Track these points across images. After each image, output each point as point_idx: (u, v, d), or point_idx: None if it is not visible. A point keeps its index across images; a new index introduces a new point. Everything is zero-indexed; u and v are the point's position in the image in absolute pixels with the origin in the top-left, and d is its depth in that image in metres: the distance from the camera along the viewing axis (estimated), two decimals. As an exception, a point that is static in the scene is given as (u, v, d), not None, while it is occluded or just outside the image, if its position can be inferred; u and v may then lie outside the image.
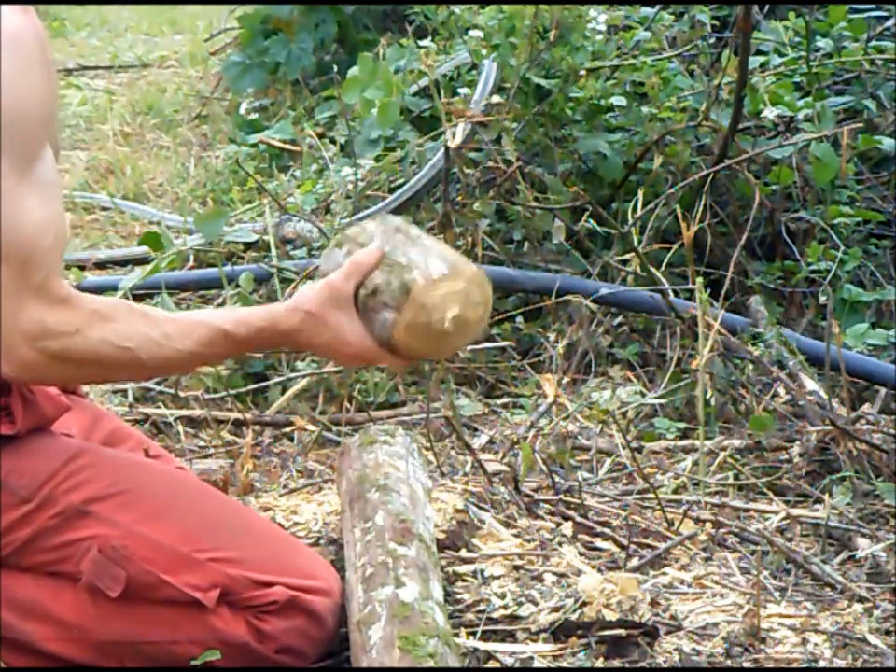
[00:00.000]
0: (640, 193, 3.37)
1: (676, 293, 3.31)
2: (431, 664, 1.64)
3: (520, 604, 2.04)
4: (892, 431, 2.74)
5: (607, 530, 2.40)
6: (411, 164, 3.92)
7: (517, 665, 1.90)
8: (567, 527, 2.38)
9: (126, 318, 1.77)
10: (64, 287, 1.73)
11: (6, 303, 1.68)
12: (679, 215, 3.29)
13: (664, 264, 3.39)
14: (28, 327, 1.69)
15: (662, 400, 3.11)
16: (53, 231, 1.71)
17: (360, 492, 2.06)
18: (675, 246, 3.47)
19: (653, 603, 2.06)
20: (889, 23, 4.16)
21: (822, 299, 3.36)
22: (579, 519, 2.42)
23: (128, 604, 1.82)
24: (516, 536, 2.30)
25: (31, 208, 1.68)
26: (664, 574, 2.25)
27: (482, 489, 2.46)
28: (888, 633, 2.08)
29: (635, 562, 2.28)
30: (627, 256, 3.45)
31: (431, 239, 1.91)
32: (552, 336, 3.41)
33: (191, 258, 3.85)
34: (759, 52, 4.02)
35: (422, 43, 4.27)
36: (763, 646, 1.99)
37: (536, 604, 2.03)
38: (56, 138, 1.79)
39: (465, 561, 2.16)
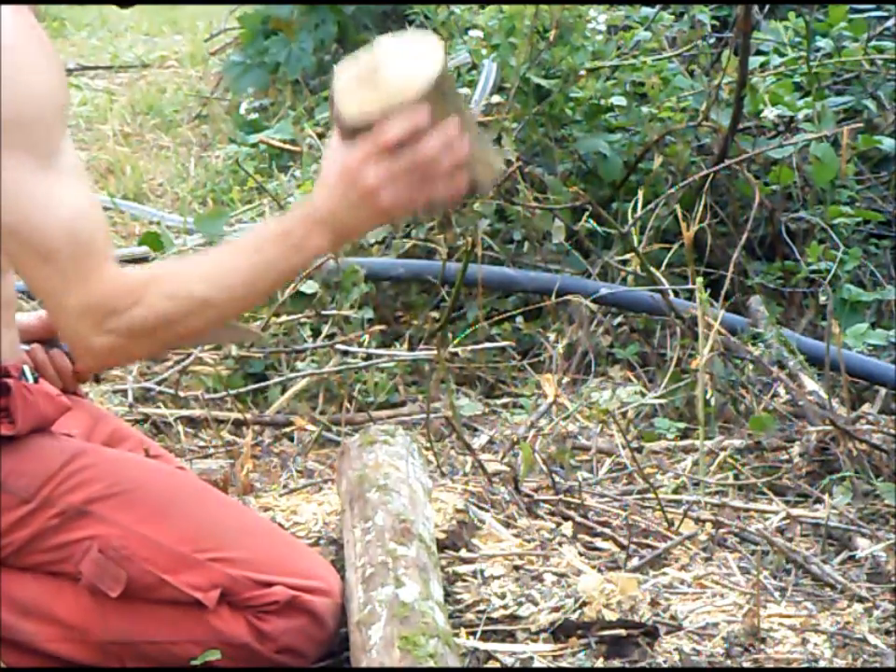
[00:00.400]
0: (640, 193, 3.38)
1: (676, 293, 3.31)
2: (431, 664, 1.64)
3: (520, 604, 2.04)
4: (892, 431, 2.74)
5: (607, 530, 2.40)
6: (411, 164, 3.90)
7: (517, 665, 1.90)
8: (567, 527, 2.38)
9: (175, 270, 1.80)
10: (112, 267, 1.74)
11: (66, 297, 1.69)
12: (679, 215, 3.29)
13: (664, 264, 3.39)
14: (91, 314, 1.70)
15: (662, 400, 3.11)
16: (90, 216, 1.72)
17: (360, 492, 2.06)
18: (675, 246, 3.47)
19: (653, 603, 2.06)
20: (889, 23, 4.16)
21: (822, 299, 3.36)
22: (579, 519, 2.42)
23: (128, 604, 1.82)
24: (516, 536, 2.30)
25: (63, 199, 1.69)
26: (664, 574, 2.25)
27: (482, 489, 2.46)
28: (888, 633, 2.08)
29: (635, 562, 2.27)
30: (627, 256, 3.45)
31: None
32: (552, 336, 3.41)
33: (191, 258, 3.85)
34: (759, 52, 4.03)
35: (422, 43, 4.27)
36: (763, 646, 1.99)
37: (536, 604, 2.03)
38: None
39: (465, 561, 2.16)
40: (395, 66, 1.74)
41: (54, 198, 1.68)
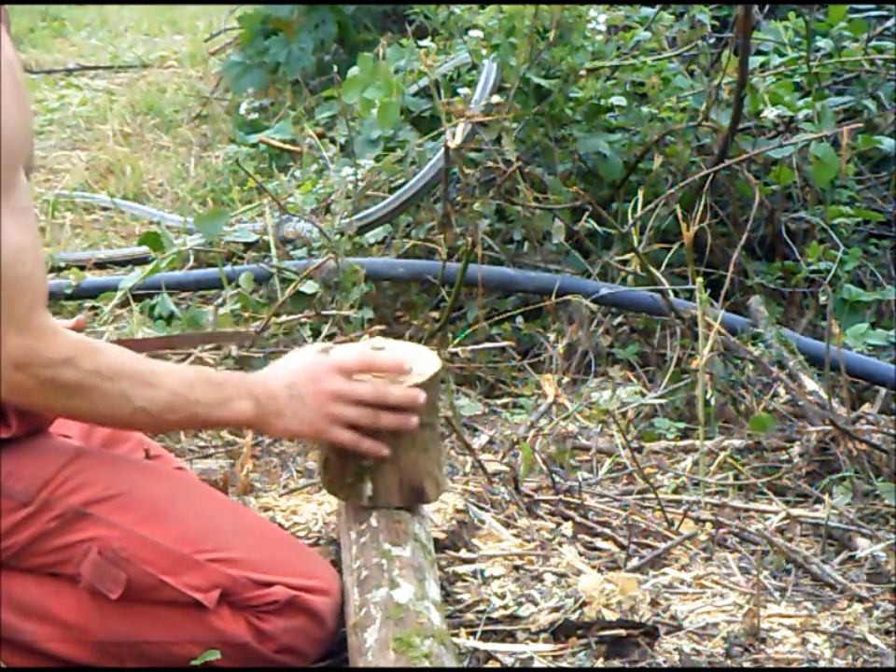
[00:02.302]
0: (640, 193, 3.37)
1: (676, 293, 3.31)
2: (427, 664, 1.64)
3: (520, 604, 2.04)
4: (892, 431, 2.74)
5: (607, 530, 2.40)
6: (411, 164, 3.91)
7: (517, 665, 1.90)
8: (567, 527, 2.38)
9: (115, 353, 1.79)
10: (51, 318, 1.74)
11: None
12: (679, 215, 3.29)
13: (664, 264, 3.39)
14: (17, 354, 1.70)
15: (662, 400, 3.11)
16: (32, 256, 1.71)
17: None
18: (675, 246, 3.47)
19: (653, 603, 2.06)
20: (889, 23, 4.16)
21: (822, 299, 3.36)
22: (579, 519, 2.42)
23: (128, 604, 1.82)
24: (516, 536, 2.30)
25: (9, 235, 1.68)
26: (664, 574, 2.25)
27: (482, 489, 2.46)
28: (888, 633, 2.08)
29: (635, 562, 2.28)
30: (627, 256, 3.45)
31: None
32: (552, 336, 3.41)
33: (191, 258, 3.85)
34: (759, 52, 4.02)
35: (422, 43, 4.27)
36: (763, 646, 1.99)
37: (536, 604, 2.03)
38: (30, 158, 1.79)
39: (465, 561, 2.16)
40: (399, 351, 1.93)
41: (1, 234, 1.67)
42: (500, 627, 1.99)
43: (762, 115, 3.69)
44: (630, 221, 3.33)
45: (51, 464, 1.83)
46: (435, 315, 3.54)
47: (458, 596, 2.06)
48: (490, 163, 3.64)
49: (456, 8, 4.13)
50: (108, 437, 2.09)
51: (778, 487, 2.75)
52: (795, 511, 2.59)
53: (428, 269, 3.55)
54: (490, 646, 1.94)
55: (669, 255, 3.47)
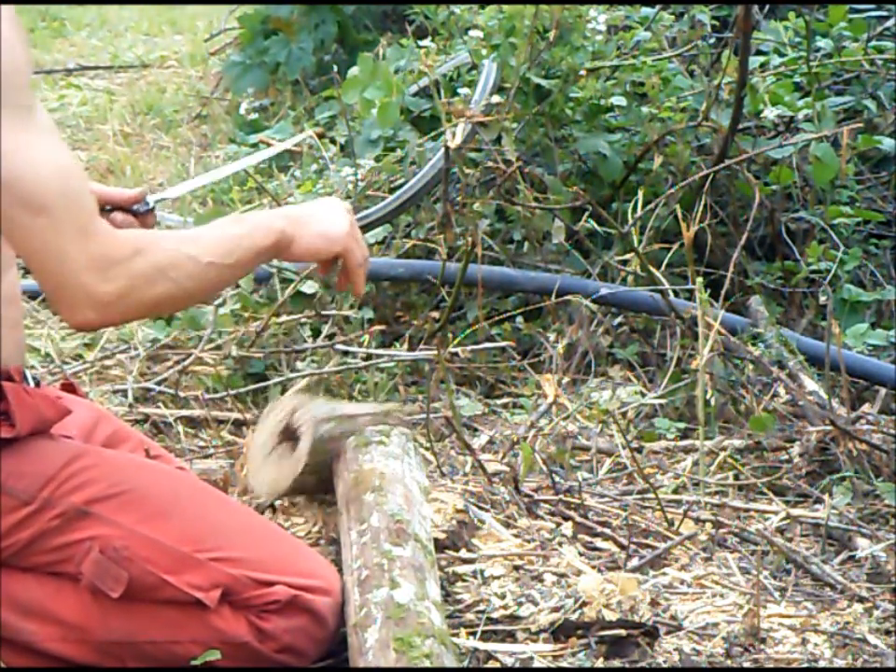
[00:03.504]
0: (640, 193, 3.37)
1: (676, 293, 3.31)
2: (427, 664, 1.64)
3: (520, 604, 2.04)
4: (892, 431, 2.74)
5: (607, 530, 2.40)
6: (411, 164, 3.91)
7: (517, 665, 1.90)
8: (567, 527, 2.38)
9: (161, 233, 1.91)
10: (104, 222, 1.78)
11: (66, 250, 1.70)
12: (679, 215, 3.29)
13: (664, 264, 3.39)
14: (93, 264, 1.71)
15: (662, 400, 3.11)
16: (76, 168, 1.75)
17: (356, 494, 2.06)
18: (675, 246, 3.47)
19: (653, 603, 2.06)
20: (889, 23, 4.16)
21: (822, 299, 3.36)
22: (579, 519, 2.42)
23: (129, 604, 1.82)
24: (516, 536, 2.30)
25: (49, 154, 1.70)
26: (664, 574, 2.25)
27: (482, 489, 2.46)
28: (888, 633, 2.08)
29: (635, 562, 2.28)
30: (627, 256, 3.45)
31: None
32: (552, 336, 3.41)
33: (191, 258, 3.84)
34: (759, 52, 4.02)
35: (422, 43, 4.27)
36: (763, 646, 1.99)
37: (536, 604, 2.03)
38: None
39: (465, 561, 2.16)
40: None
41: (42, 152, 1.70)
42: (500, 627, 1.99)
43: (762, 115, 3.69)
44: (630, 221, 3.33)
45: (53, 463, 1.83)
46: (435, 315, 3.53)
47: (458, 596, 2.06)
48: (490, 163, 3.64)
49: (456, 8, 4.13)
50: (110, 436, 2.10)
51: (778, 487, 2.75)
52: (795, 511, 2.59)
53: (428, 269, 3.55)
54: (490, 646, 1.94)
55: (669, 255, 3.47)
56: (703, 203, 3.33)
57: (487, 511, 2.37)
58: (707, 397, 2.82)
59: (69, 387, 2.14)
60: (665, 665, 1.92)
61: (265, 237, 1.90)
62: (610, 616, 1.96)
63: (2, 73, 1.67)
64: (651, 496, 2.54)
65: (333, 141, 4.43)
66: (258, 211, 2.02)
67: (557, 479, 2.57)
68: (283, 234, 1.92)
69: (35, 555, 1.83)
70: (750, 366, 3.07)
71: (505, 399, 3.31)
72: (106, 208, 2.04)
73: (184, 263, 1.80)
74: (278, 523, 2.27)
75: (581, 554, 2.27)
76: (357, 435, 2.24)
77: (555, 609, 2.01)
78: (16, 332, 1.86)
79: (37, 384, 1.92)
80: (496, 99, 3.67)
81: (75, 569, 1.82)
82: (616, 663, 1.91)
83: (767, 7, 4.31)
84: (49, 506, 1.82)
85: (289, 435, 2.23)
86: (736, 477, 2.77)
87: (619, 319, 3.50)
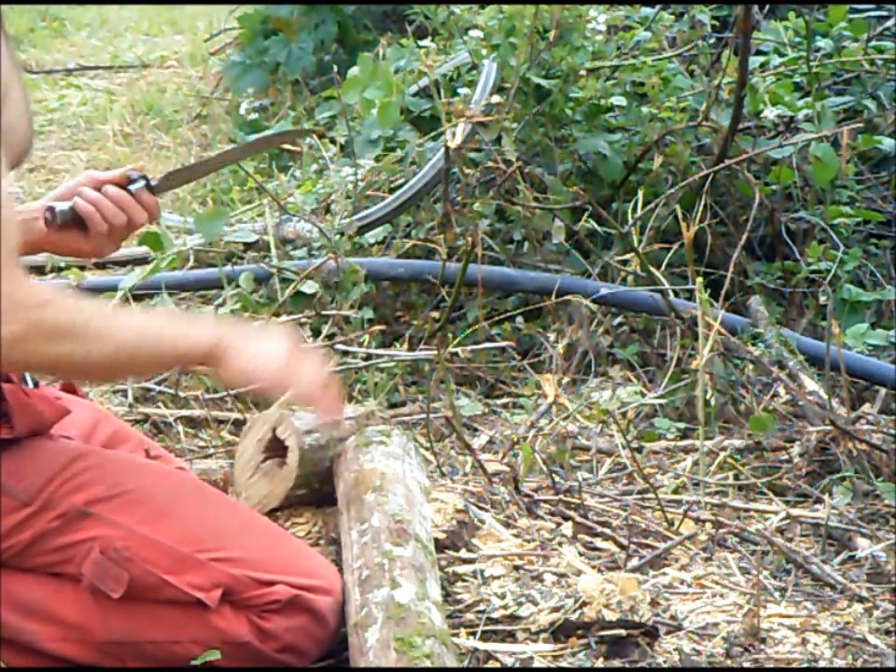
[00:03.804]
0: (640, 193, 3.37)
1: (676, 293, 3.31)
2: (428, 664, 1.64)
3: (520, 604, 2.04)
4: (892, 431, 2.74)
5: (607, 530, 2.40)
6: (411, 164, 3.92)
7: (517, 665, 1.90)
8: (567, 527, 2.38)
9: (84, 298, 1.83)
10: (22, 271, 1.72)
11: None
12: (679, 215, 3.29)
13: (664, 264, 3.39)
14: (3, 302, 1.68)
15: (662, 400, 3.11)
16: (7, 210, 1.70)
17: (356, 494, 2.06)
18: (675, 246, 3.47)
19: (653, 603, 2.06)
20: (889, 23, 4.16)
21: (822, 299, 3.36)
22: (579, 519, 2.42)
23: (130, 604, 1.82)
24: (516, 536, 2.30)
25: None
26: (664, 574, 2.25)
27: (482, 489, 2.46)
28: (888, 633, 2.08)
29: (635, 562, 2.28)
30: (627, 256, 3.45)
31: None
32: (552, 336, 3.41)
33: (191, 258, 3.85)
34: (759, 52, 4.02)
35: (422, 43, 4.28)
36: (763, 646, 1.99)
37: (536, 604, 2.03)
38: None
39: (465, 561, 2.16)
40: None
41: None
42: (500, 627, 1.99)
43: (762, 115, 3.69)
44: (630, 221, 3.33)
45: (53, 463, 1.83)
46: (435, 314, 3.54)
47: (458, 596, 2.06)
48: (490, 163, 3.64)
49: (456, 8, 4.13)
50: (110, 437, 2.09)
51: (778, 487, 2.75)
52: (795, 511, 2.59)
53: (428, 269, 3.55)
54: (490, 646, 1.94)
55: (669, 255, 3.47)
56: (703, 202, 3.33)
57: (487, 511, 2.37)
58: (707, 397, 2.82)
59: (69, 388, 2.14)
60: (665, 665, 1.92)
61: (193, 343, 1.83)
62: (610, 616, 1.96)
63: None
64: (651, 496, 2.54)
65: (333, 141, 4.43)
66: (202, 317, 1.92)
67: (557, 479, 2.57)
68: (214, 346, 1.83)
69: (36, 556, 1.83)
70: (750, 366, 3.07)
71: (505, 399, 3.31)
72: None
73: (92, 334, 1.74)
74: (279, 523, 2.27)
75: (580, 554, 2.27)
76: (358, 433, 2.25)
77: (555, 609, 2.01)
78: None
79: (36, 384, 1.92)
80: (496, 99, 3.67)
81: (75, 570, 1.82)
82: (616, 663, 1.91)
83: (767, 6, 4.31)
84: (50, 507, 1.82)
85: (275, 449, 2.23)
86: (736, 477, 2.77)
87: (619, 319, 3.50)
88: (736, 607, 2.12)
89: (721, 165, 3.55)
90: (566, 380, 3.26)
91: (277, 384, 1.85)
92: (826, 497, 2.60)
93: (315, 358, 1.90)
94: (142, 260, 3.88)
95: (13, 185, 1.82)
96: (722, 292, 3.19)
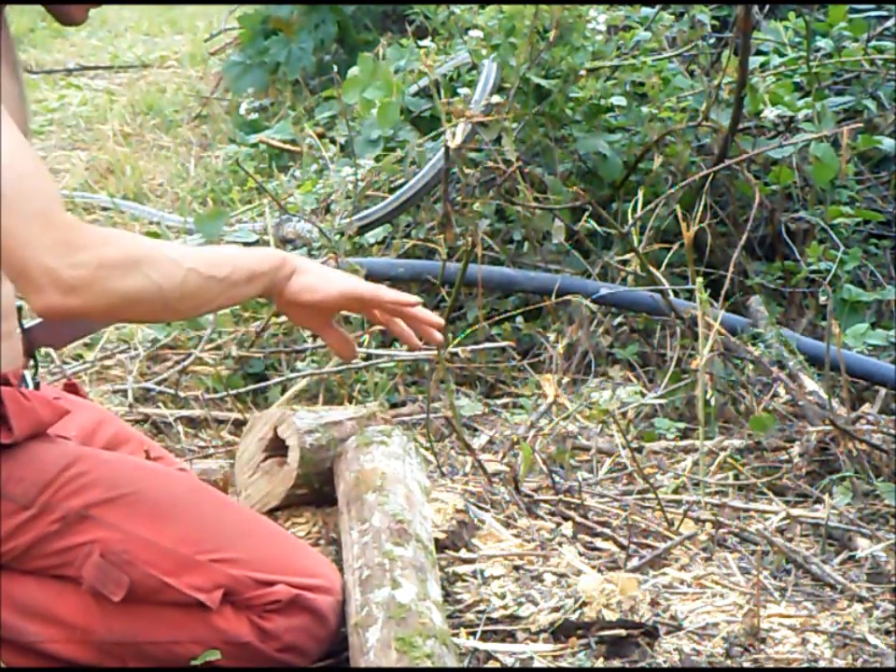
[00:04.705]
0: (640, 193, 3.37)
1: (676, 293, 3.31)
2: (428, 664, 1.64)
3: (520, 604, 2.04)
4: (892, 431, 2.74)
5: (607, 530, 2.40)
6: (411, 164, 3.92)
7: (517, 665, 1.90)
8: (567, 527, 2.38)
9: (142, 236, 1.84)
10: (69, 213, 1.74)
11: (26, 234, 1.66)
12: (679, 215, 3.29)
13: (664, 264, 3.39)
14: (57, 248, 1.67)
15: (662, 400, 3.11)
16: (29, 155, 1.71)
17: (357, 494, 2.06)
18: (675, 246, 3.47)
19: (653, 603, 2.06)
20: (889, 23, 4.16)
21: (822, 299, 3.36)
22: (579, 519, 2.42)
23: (131, 605, 1.82)
24: (516, 536, 2.30)
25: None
26: (664, 574, 2.25)
27: (482, 489, 2.46)
28: (888, 633, 2.08)
29: (635, 562, 2.28)
30: (627, 256, 3.45)
31: None
32: (552, 336, 3.41)
33: (191, 258, 3.84)
34: (759, 52, 4.03)
35: (422, 43, 4.28)
36: (763, 646, 1.99)
37: (536, 604, 2.03)
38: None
39: (465, 561, 2.16)
40: None
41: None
42: (500, 627, 1.99)
43: (762, 115, 3.69)
44: (630, 221, 3.33)
45: (52, 466, 1.83)
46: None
47: (458, 596, 2.06)
48: (490, 163, 3.64)
49: (456, 8, 4.13)
50: (112, 438, 2.09)
51: (778, 487, 2.75)
52: (795, 511, 2.59)
53: (428, 269, 3.55)
54: (490, 646, 1.94)
55: (669, 255, 3.47)
56: (703, 202, 3.33)
57: (487, 510, 2.37)
58: (707, 397, 2.82)
59: (72, 388, 2.14)
60: (665, 665, 1.92)
61: (261, 260, 1.85)
62: (610, 616, 1.96)
63: None
64: (651, 496, 2.54)
65: (333, 141, 4.43)
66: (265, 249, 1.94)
67: (557, 479, 2.57)
68: (284, 261, 1.88)
69: (36, 559, 1.83)
70: (750, 366, 3.07)
71: (505, 399, 3.31)
72: None
73: (161, 262, 1.74)
74: (279, 522, 2.27)
75: (580, 554, 2.27)
76: (359, 433, 2.25)
77: (555, 609, 2.01)
78: (10, 341, 1.86)
79: (37, 386, 1.91)
80: (496, 99, 3.67)
81: (75, 573, 1.82)
82: (616, 663, 1.91)
83: (767, 6, 4.31)
84: (49, 510, 1.81)
85: (276, 449, 2.23)
86: (736, 477, 2.77)
87: (619, 319, 3.50)
88: (736, 607, 2.12)
89: (721, 165, 3.55)
90: (566, 380, 3.26)
91: (349, 290, 1.90)
92: (826, 497, 2.60)
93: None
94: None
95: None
96: (722, 292, 3.19)
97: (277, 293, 1.89)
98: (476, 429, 3.06)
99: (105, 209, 4.82)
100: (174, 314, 1.90)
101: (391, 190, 3.87)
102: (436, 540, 2.10)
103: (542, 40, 3.74)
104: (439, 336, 1.97)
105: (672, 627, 2.02)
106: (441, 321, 1.96)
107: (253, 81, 5.57)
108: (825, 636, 2.05)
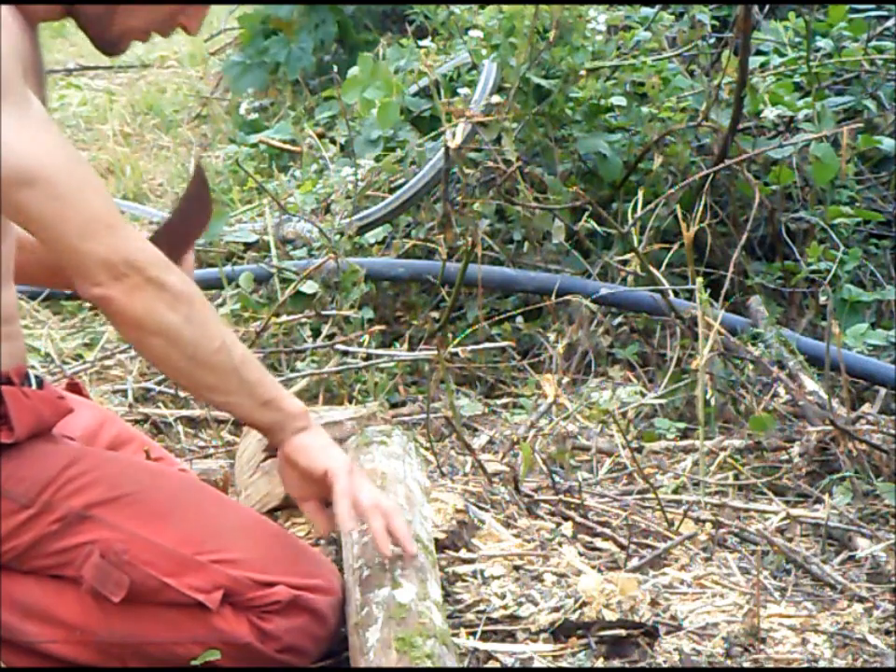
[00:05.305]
0: (640, 193, 3.37)
1: (676, 293, 3.31)
2: (429, 664, 1.64)
3: (520, 604, 2.04)
4: (892, 431, 2.74)
5: (607, 530, 2.40)
6: (411, 164, 3.92)
7: (517, 665, 1.90)
8: (567, 527, 2.38)
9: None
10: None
11: (88, 240, 1.69)
12: (679, 215, 3.29)
13: (664, 264, 3.39)
14: (120, 249, 1.70)
15: (662, 400, 3.11)
16: (82, 158, 1.75)
17: (358, 493, 2.06)
18: (675, 246, 3.47)
19: (653, 603, 2.06)
20: (889, 23, 4.16)
21: (822, 299, 3.36)
22: (579, 519, 2.42)
23: (131, 605, 1.82)
24: (516, 536, 2.30)
25: (50, 144, 1.70)
26: (664, 574, 2.25)
27: (482, 489, 2.46)
28: (888, 633, 2.08)
29: (635, 562, 2.28)
30: (627, 256, 3.45)
31: None
32: (552, 336, 3.41)
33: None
34: (759, 52, 4.03)
35: (422, 43, 4.28)
36: (762, 646, 1.99)
37: (536, 604, 2.03)
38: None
39: (465, 561, 2.16)
40: None
41: (47, 141, 1.69)
42: (500, 627, 1.99)
43: (762, 115, 3.69)
44: (630, 221, 3.33)
45: (52, 466, 1.83)
46: (435, 315, 3.54)
47: (458, 596, 2.06)
48: (490, 163, 3.64)
49: (456, 8, 4.13)
50: (114, 438, 2.09)
51: (778, 487, 2.75)
52: (795, 511, 2.59)
53: (428, 269, 3.55)
54: (490, 646, 1.93)
55: (669, 255, 3.47)
56: (703, 203, 3.34)
57: (487, 510, 2.37)
58: (707, 397, 2.82)
59: (74, 387, 2.14)
60: (665, 665, 1.92)
61: (286, 398, 1.87)
62: (610, 616, 1.96)
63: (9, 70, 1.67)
64: (651, 496, 2.54)
65: (333, 141, 4.43)
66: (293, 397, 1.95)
67: (557, 479, 2.57)
68: (304, 415, 1.88)
69: (36, 559, 1.83)
70: (750, 366, 3.07)
71: (505, 399, 3.31)
72: None
73: (209, 321, 1.78)
74: (279, 522, 2.27)
75: (580, 554, 2.27)
76: (359, 433, 2.24)
77: (555, 609, 2.01)
78: (13, 342, 1.86)
79: (40, 384, 1.91)
80: (496, 99, 3.67)
81: (75, 573, 1.82)
82: (616, 663, 1.91)
83: (767, 6, 4.31)
84: (49, 510, 1.81)
85: (276, 449, 2.23)
86: (736, 477, 2.77)
87: (619, 319, 3.50)
88: (736, 607, 2.12)
89: (721, 165, 3.55)
90: (566, 380, 3.26)
91: (343, 473, 1.87)
92: (826, 497, 2.60)
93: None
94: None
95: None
96: (722, 292, 3.19)
97: (279, 440, 1.90)
98: (476, 429, 3.06)
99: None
100: (185, 375, 1.83)
101: (391, 190, 3.87)
102: (436, 540, 2.10)
103: (542, 40, 3.75)
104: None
105: (672, 627, 2.02)
106: (413, 551, 1.87)
107: (253, 81, 5.56)
108: (825, 636, 2.05)
